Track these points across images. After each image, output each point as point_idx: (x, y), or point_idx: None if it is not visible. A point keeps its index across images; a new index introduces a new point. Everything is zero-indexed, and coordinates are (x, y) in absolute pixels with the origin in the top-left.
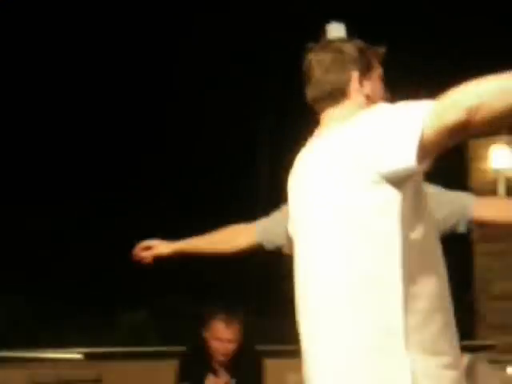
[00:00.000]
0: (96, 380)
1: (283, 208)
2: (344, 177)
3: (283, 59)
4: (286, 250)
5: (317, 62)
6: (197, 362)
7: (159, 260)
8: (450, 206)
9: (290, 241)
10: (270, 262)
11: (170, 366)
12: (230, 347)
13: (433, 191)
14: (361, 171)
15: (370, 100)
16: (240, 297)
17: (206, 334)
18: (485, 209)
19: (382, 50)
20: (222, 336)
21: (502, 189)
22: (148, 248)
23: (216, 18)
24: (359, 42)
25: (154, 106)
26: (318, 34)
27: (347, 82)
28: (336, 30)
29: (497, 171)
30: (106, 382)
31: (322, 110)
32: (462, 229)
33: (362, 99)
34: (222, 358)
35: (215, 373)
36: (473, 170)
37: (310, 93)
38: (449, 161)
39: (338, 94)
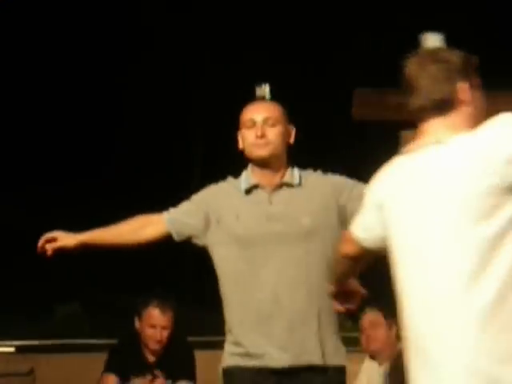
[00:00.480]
0: (28, 373)
1: (194, 199)
2: (485, 182)
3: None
4: (196, 241)
5: (423, 71)
6: (127, 354)
7: (64, 253)
8: None
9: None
10: (202, 253)
11: (103, 358)
12: (165, 334)
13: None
14: (503, 177)
15: (478, 110)
16: (172, 288)
17: (140, 324)
18: None
19: (476, 59)
20: (157, 322)
21: None
22: (53, 240)
23: None
24: (461, 52)
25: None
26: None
27: (455, 92)
28: (433, 40)
29: None
30: (38, 375)
31: (427, 119)
32: None
33: (471, 109)
34: (156, 347)
35: (145, 366)
36: None
37: (416, 102)
38: (384, 153)
39: (446, 104)
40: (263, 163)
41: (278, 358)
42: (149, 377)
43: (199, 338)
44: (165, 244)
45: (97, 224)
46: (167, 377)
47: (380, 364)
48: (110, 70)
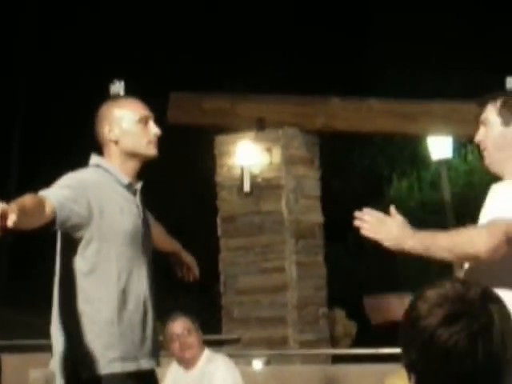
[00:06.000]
0: None
1: (69, 184)
2: None
3: None
4: (75, 234)
5: None
6: None
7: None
8: None
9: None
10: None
11: None
12: None
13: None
14: None
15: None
16: None
17: None
18: None
19: None
20: None
21: (247, 185)
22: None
23: None
24: None
25: None
26: None
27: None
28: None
29: (242, 167)
30: None
31: None
32: None
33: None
34: None
35: None
36: (219, 165)
37: None
38: (196, 157)
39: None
40: (146, 162)
41: (148, 360)
42: None
43: (6, 342)
44: None
45: None
46: None
47: (186, 369)
48: None
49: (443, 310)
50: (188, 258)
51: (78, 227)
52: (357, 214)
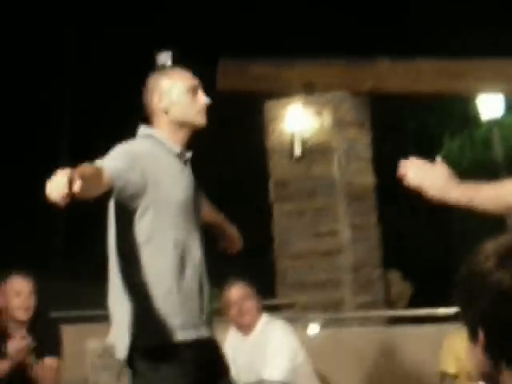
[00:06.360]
0: None
1: (124, 154)
2: None
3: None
4: (129, 203)
5: None
6: None
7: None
8: None
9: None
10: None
11: None
12: (32, 302)
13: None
14: None
15: None
16: (37, 261)
17: (2, 299)
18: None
19: None
20: (22, 289)
21: (298, 150)
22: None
23: None
24: None
25: None
26: None
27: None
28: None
29: (293, 132)
30: None
31: None
32: None
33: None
34: (23, 317)
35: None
36: (270, 131)
37: None
38: (247, 123)
39: None
40: (195, 131)
41: (207, 327)
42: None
43: (64, 313)
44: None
45: None
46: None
47: (244, 334)
48: None
49: (502, 257)
50: (231, 230)
51: (134, 196)
52: (402, 162)
